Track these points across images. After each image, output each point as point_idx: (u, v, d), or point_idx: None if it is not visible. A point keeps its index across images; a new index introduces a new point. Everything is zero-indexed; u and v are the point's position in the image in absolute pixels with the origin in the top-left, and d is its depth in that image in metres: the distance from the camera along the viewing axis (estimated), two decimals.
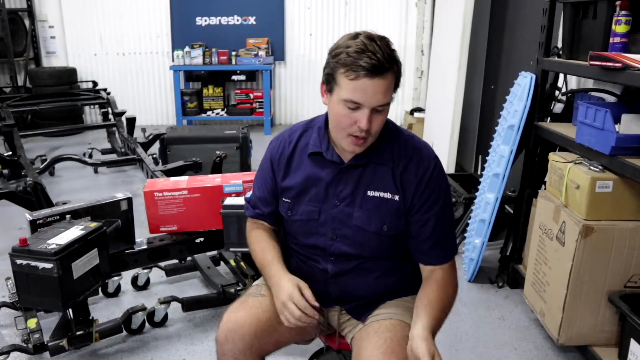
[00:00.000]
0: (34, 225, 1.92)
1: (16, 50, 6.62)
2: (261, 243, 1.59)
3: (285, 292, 1.42)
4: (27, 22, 6.89)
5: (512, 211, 3.52)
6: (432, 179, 1.45)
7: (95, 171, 5.12)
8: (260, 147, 5.89)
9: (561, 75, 2.83)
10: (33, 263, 1.70)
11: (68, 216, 1.96)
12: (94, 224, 1.90)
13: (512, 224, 3.04)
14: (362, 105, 1.31)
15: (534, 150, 2.79)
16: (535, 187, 2.87)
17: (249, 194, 1.69)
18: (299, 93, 7.09)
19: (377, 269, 1.53)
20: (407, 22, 6.80)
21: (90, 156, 5.34)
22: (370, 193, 1.45)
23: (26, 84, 6.77)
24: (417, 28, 6.65)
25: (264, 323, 1.49)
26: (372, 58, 1.27)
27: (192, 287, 2.99)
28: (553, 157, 2.44)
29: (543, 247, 2.45)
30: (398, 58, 1.34)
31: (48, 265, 1.69)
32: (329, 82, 1.37)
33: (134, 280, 2.92)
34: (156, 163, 4.96)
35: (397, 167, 1.45)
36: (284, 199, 1.56)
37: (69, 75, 6.62)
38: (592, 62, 2.12)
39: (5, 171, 4.60)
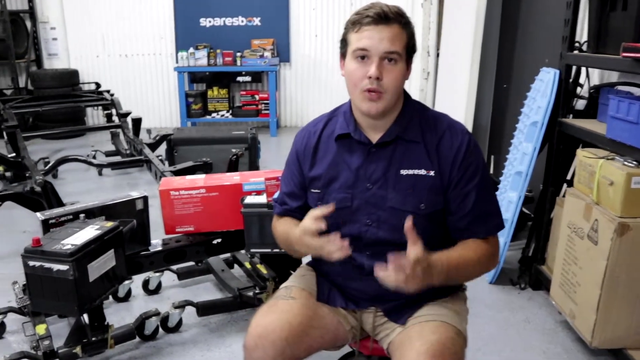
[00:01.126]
0: (46, 225, 1.82)
1: (18, 52, 6.53)
2: (284, 226, 1.55)
3: (300, 232, 1.36)
4: (28, 24, 6.81)
5: (528, 212, 3.45)
6: (468, 151, 1.40)
7: (100, 173, 5.03)
8: (267, 148, 5.84)
9: (583, 71, 2.76)
10: (47, 265, 1.61)
11: (82, 215, 1.87)
12: (109, 224, 1.80)
13: (534, 224, 2.95)
14: (370, 53, 1.33)
15: (557, 148, 2.71)
16: (558, 185, 2.79)
17: (276, 195, 1.63)
18: (304, 94, 7.01)
19: None
20: (412, 23, 6.69)
21: (94, 158, 5.25)
22: (403, 172, 1.41)
23: (28, 86, 6.68)
24: (423, 29, 6.57)
25: (295, 327, 1.40)
26: (376, 9, 1.33)
27: (206, 290, 2.90)
28: (582, 153, 2.36)
29: (572, 247, 2.36)
30: (407, 18, 1.37)
31: (63, 267, 1.59)
32: (342, 47, 1.42)
33: (145, 284, 2.83)
34: (162, 164, 4.88)
35: (429, 142, 1.41)
36: (312, 190, 1.50)
37: (70, 77, 6.53)
38: (625, 55, 2.04)
39: (7, 173, 4.51)
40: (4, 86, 6.81)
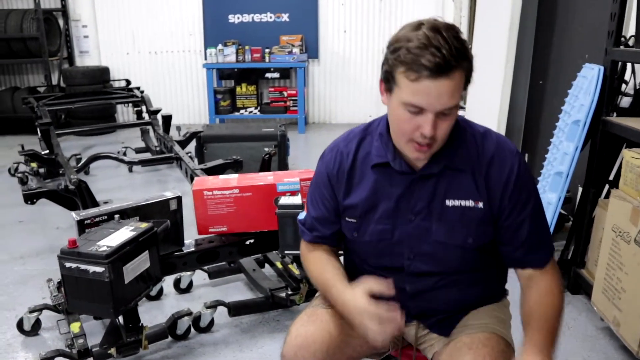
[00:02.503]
0: (82, 226, 1.82)
1: (50, 50, 6.62)
2: (318, 264, 1.42)
3: (355, 310, 1.24)
4: (61, 22, 6.90)
5: (566, 213, 3.34)
6: (519, 177, 1.28)
7: (130, 170, 5.07)
8: (295, 145, 5.80)
9: (628, 67, 2.65)
10: (83, 266, 1.60)
11: (117, 216, 1.86)
12: (144, 225, 1.79)
13: (574, 226, 2.85)
14: (425, 110, 1.15)
15: (600, 147, 2.60)
16: (600, 186, 2.69)
17: (302, 215, 1.50)
18: (332, 91, 6.95)
19: (460, 283, 1.37)
20: (443, 18, 6.53)
21: (125, 155, 5.29)
22: (449, 203, 1.28)
23: (60, 84, 6.78)
24: (454, 23, 6.45)
25: (335, 338, 1.34)
26: (435, 55, 1.09)
27: (237, 290, 2.88)
28: (629, 154, 2.26)
29: (617, 252, 2.27)
30: (468, 51, 1.15)
31: (99, 269, 1.58)
32: (387, 80, 1.20)
33: (177, 283, 2.82)
34: (192, 161, 4.89)
35: (477, 171, 1.28)
36: (347, 219, 1.38)
37: (101, 74, 6.61)
38: None
39: (41, 170, 4.57)
40: (38, 84, 6.93)
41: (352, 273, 1.42)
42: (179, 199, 2.08)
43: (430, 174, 1.28)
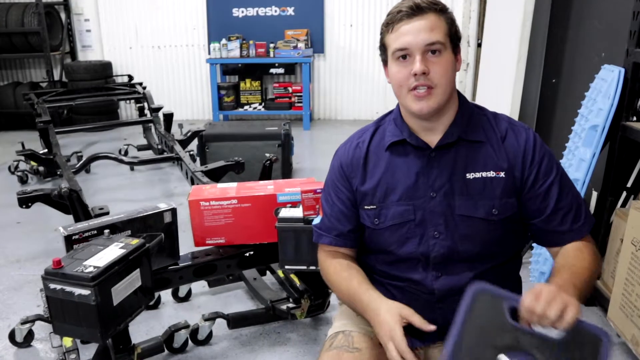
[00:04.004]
0: (69, 242, 1.71)
1: (52, 44, 6.52)
2: (342, 273, 1.37)
3: (386, 329, 1.20)
4: (63, 16, 6.79)
5: None
6: (536, 145, 1.30)
7: (132, 168, 4.97)
8: (300, 142, 5.69)
9: None
10: (68, 288, 1.49)
11: (106, 231, 1.75)
12: (135, 241, 1.68)
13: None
14: (410, 50, 1.23)
15: (619, 153, 2.47)
16: (617, 194, 2.56)
17: (317, 220, 1.46)
18: (338, 86, 6.81)
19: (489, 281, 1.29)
20: (452, 11, 6.41)
21: (126, 153, 5.22)
22: (470, 175, 1.29)
23: (62, 78, 6.68)
24: (464, 17, 6.29)
25: None
26: (407, 2, 1.24)
27: (237, 299, 2.78)
28: None
29: (637, 266, 2.15)
30: (443, 5, 1.28)
31: (85, 292, 1.48)
32: (382, 52, 1.33)
33: (175, 291, 2.72)
34: (194, 160, 4.79)
35: (493, 141, 1.30)
36: (366, 207, 1.36)
37: (104, 69, 6.50)
38: None
39: (41, 168, 4.49)
40: (40, 78, 6.84)
41: (374, 282, 1.37)
42: (173, 211, 1.97)
43: (447, 145, 1.29)
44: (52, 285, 1.52)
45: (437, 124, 1.31)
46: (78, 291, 1.49)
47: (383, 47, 1.32)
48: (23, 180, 4.62)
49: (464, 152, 1.30)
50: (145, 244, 1.70)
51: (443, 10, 1.27)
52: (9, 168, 4.85)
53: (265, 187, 2.16)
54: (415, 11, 1.22)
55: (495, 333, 1.09)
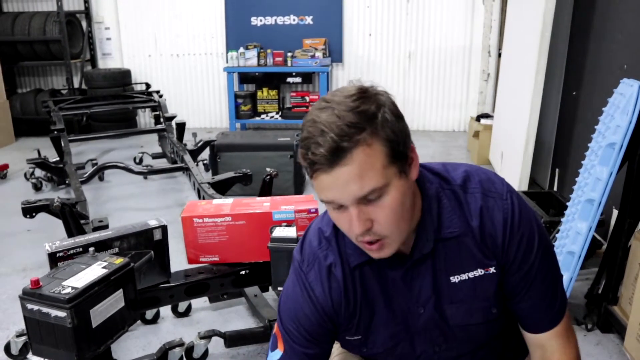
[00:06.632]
0: (53, 259, 1.67)
1: (73, 52, 6.59)
2: None
3: None
4: (84, 24, 6.86)
5: (599, 237, 3.08)
6: (514, 222, 1.06)
7: (145, 177, 4.96)
8: None
9: None
10: (45, 309, 1.45)
11: (91, 249, 1.70)
12: (119, 260, 1.63)
13: (606, 258, 2.59)
14: (341, 203, 0.96)
15: (638, 173, 2.34)
16: (637, 217, 2.43)
17: (275, 356, 1.20)
18: None
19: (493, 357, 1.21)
20: (472, 21, 6.32)
21: (141, 161, 5.22)
22: (454, 279, 1.09)
23: (82, 86, 6.75)
24: (484, 27, 6.19)
25: None
26: (318, 145, 0.91)
27: (238, 315, 2.71)
28: None
29: None
30: (370, 117, 0.93)
31: (61, 314, 1.43)
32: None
33: (175, 306, 2.67)
34: (207, 170, 4.77)
35: (471, 230, 1.07)
36: (348, 338, 1.18)
37: (122, 76, 6.55)
38: None
39: (54, 176, 4.51)
40: (60, 86, 6.92)
41: None
42: (163, 229, 1.92)
43: (425, 255, 1.08)
44: (29, 306, 1.48)
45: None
46: (54, 313, 1.44)
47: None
48: (37, 188, 4.64)
49: (443, 253, 1.08)
50: (130, 263, 1.65)
51: (374, 131, 0.93)
52: (25, 175, 4.90)
53: (261, 204, 2.10)
54: (334, 158, 0.91)
55: None
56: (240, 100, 6.49)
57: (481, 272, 1.08)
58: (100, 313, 1.54)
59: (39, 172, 4.74)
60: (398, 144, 0.96)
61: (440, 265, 1.09)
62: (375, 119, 0.94)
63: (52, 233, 3.76)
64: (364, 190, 0.93)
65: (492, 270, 1.08)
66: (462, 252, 1.08)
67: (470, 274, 1.08)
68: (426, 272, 1.09)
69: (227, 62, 6.52)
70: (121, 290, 1.62)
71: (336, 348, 1.31)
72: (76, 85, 6.72)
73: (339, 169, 0.92)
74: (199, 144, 4.43)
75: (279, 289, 1.91)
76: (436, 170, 1.12)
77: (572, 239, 2.53)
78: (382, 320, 1.13)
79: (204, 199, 3.15)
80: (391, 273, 1.10)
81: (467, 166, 1.14)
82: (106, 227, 2.42)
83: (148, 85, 6.38)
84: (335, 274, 1.12)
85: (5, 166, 5.10)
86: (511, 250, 1.07)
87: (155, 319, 2.64)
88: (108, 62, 7.01)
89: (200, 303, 2.77)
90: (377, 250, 1.01)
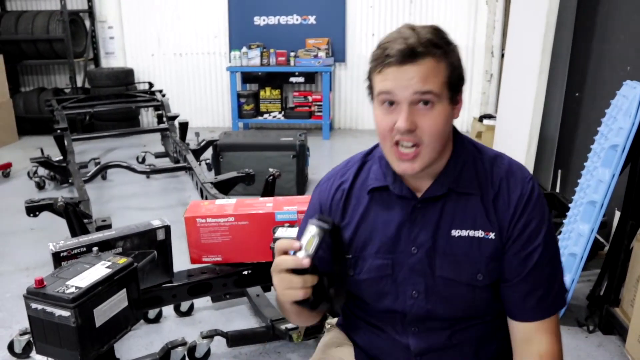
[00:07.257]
0: (57, 259, 1.68)
1: (76, 51, 6.61)
2: None
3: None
4: (87, 23, 6.88)
5: (601, 239, 3.08)
6: (529, 204, 1.12)
7: (147, 176, 4.97)
8: (319, 152, 5.63)
9: None
10: (49, 309, 1.46)
11: (95, 249, 1.71)
12: (122, 260, 1.63)
13: (608, 260, 2.59)
14: (396, 97, 1.06)
15: None
16: (639, 219, 2.43)
17: None
18: (359, 96, 6.72)
19: (472, 340, 1.19)
20: (476, 21, 6.32)
21: (144, 160, 5.24)
22: (455, 232, 1.14)
23: (85, 85, 6.76)
24: (487, 28, 6.19)
25: None
26: (399, 44, 1.04)
27: (240, 315, 2.72)
28: None
29: None
30: (446, 43, 1.09)
31: (65, 313, 1.44)
32: (370, 89, 1.15)
33: (177, 306, 2.68)
34: (209, 169, 4.78)
35: (487, 195, 1.14)
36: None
37: (125, 76, 6.56)
38: None
39: (58, 175, 4.53)
40: (64, 85, 6.94)
41: (352, 321, 1.30)
42: (167, 229, 1.93)
43: (434, 197, 1.15)
44: (33, 305, 1.49)
45: (425, 172, 1.15)
46: (58, 312, 1.45)
47: (370, 82, 1.13)
48: (40, 186, 4.66)
49: (452, 205, 1.15)
50: (134, 263, 1.66)
51: (446, 53, 1.08)
52: (28, 173, 4.91)
53: (264, 204, 2.10)
54: (408, 57, 1.04)
55: None
56: (243, 100, 6.49)
57: (481, 234, 1.13)
58: (103, 312, 1.55)
59: (42, 171, 4.75)
60: (458, 76, 1.11)
61: (447, 215, 1.15)
62: (449, 45, 1.10)
63: (55, 232, 3.77)
64: (424, 88, 1.05)
65: (491, 235, 1.13)
66: (470, 211, 1.14)
67: (471, 233, 1.13)
68: (432, 217, 1.15)
69: (230, 61, 6.53)
70: (124, 290, 1.63)
71: (325, 336, 1.39)
72: (79, 84, 6.73)
73: (409, 67, 1.04)
74: (202, 144, 4.44)
75: None
76: (474, 142, 1.22)
77: (574, 240, 2.54)
78: (375, 249, 1.18)
79: (206, 198, 3.15)
80: (400, 205, 1.17)
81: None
82: (109, 226, 2.43)
83: (151, 85, 6.40)
84: (342, 188, 1.24)
85: (9, 165, 5.11)
86: (517, 227, 1.12)
87: (157, 319, 2.66)
88: (111, 61, 7.03)
89: (202, 303, 2.78)
90: (410, 160, 1.09)
